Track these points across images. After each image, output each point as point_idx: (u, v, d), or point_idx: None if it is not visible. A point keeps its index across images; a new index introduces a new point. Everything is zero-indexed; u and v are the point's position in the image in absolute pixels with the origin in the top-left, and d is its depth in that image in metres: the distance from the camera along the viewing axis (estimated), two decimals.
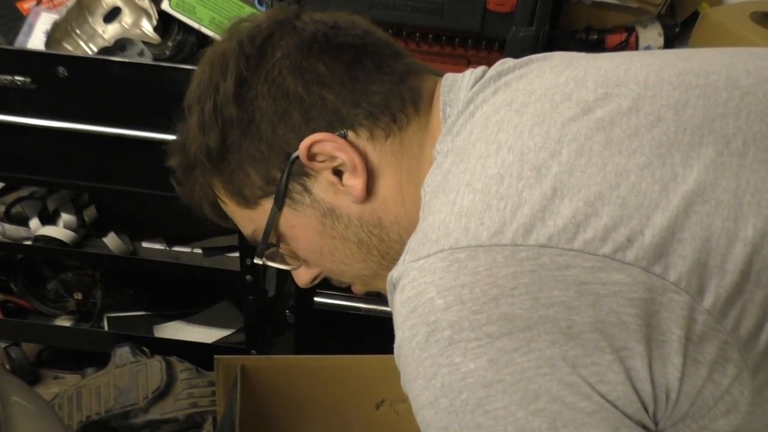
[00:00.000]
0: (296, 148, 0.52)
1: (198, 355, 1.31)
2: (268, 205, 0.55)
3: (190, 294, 1.59)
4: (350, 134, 0.52)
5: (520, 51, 0.98)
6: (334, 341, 1.34)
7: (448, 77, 0.54)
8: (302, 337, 1.39)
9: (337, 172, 0.52)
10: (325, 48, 0.52)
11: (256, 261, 0.59)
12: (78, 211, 1.38)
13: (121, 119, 1.11)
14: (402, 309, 0.41)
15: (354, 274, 0.57)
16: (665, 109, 0.43)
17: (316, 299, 1.29)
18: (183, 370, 1.30)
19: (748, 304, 0.39)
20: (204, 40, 1.12)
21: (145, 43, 1.12)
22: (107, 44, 1.11)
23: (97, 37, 1.12)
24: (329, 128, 0.51)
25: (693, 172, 0.40)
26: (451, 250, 0.39)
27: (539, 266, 0.37)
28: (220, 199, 0.59)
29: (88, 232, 1.38)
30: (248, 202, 0.56)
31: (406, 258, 0.43)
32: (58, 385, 1.48)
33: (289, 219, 0.55)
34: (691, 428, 0.43)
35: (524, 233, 0.38)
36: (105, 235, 1.35)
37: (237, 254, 1.29)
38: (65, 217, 1.35)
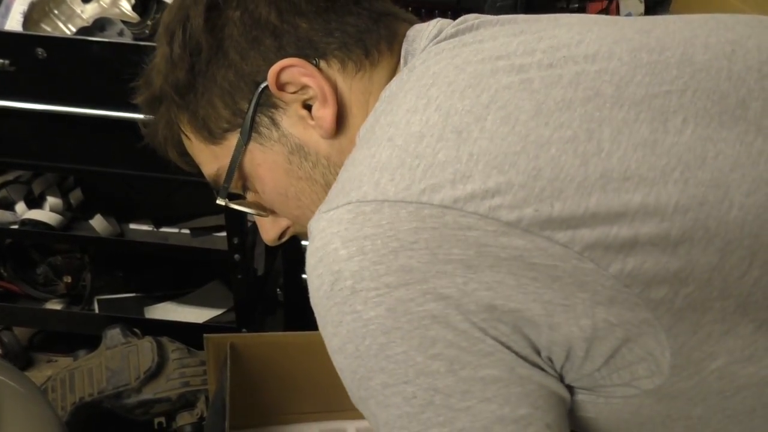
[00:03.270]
0: (265, 78, 0.51)
1: (189, 335, 1.31)
2: (234, 139, 0.53)
3: (179, 275, 1.59)
4: (322, 63, 0.51)
5: None
6: None
7: (415, 27, 0.54)
8: (292, 315, 1.40)
9: (307, 107, 0.51)
10: None
11: (219, 201, 0.57)
12: (64, 195, 1.37)
13: (103, 100, 1.11)
14: (311, 259, 0.43)
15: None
16: (606, 84, 0.43)
17: (305, 276, 1.29)
18: (174, 350, 1.30)
19: (660, 272, 0.40)
20: None
21: (124, 22, 1.11)
22: (86, 24, 1.10)
23: (75, 18, 1.11)
24: (300, 54, 0.50)
25: (620, 149, 0.40)
26: (358, 202, 0.40)
27: (442, 224, 0.38)
28: (185, 135, 0.57)
29: (75, 215, 1.38)
30: (213, 136, 0.54)
31: (321, 208, 0.43)
32: (51, 368, 1.49)
33: (255, 156, 0.53)
34: (612, 380, 0.44)
35: (431, 193, 0.39)
36: (92, 217, 1.34)
37: (225, 234, 1.29)
38: (51, 200, 1.34)
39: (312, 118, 0.51)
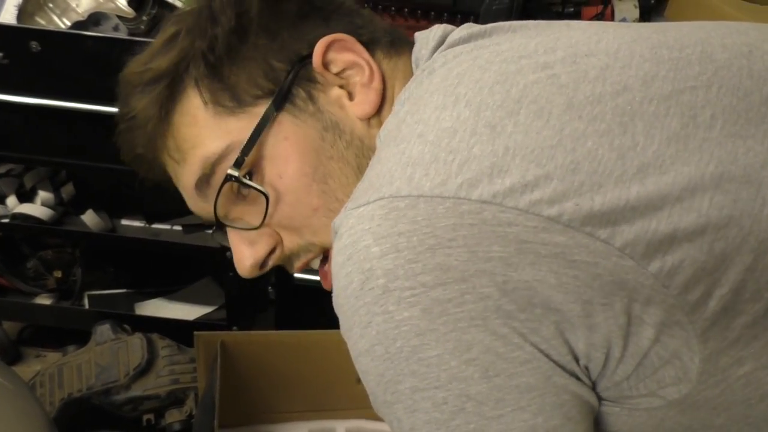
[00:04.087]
0: (311, 53, 0.50)
1: (180, 332, 1.31)
2: (262, 107, 0.50)
3: (171, 271, 1.58)
4: (370, 46, 0.52)
5: None
6: (316, 317, 1.34)
7: (418, 36, 0.53)
8: (283, 313, 1.39)
9: (345, 87, 0.51)
10: None
11: (230, 172, 0.51)
12: (56, 189, 1.36)
13: (97, 95, 1.10)
14: (339, 257, 0.40)
15: (323, 225, 0.53)
16: (633, 79, 0.42)
17: (297, 275, 1.29)
18: (164, 347, 1.30)
19: (697, 272, 0.40)
20: None
21: (119, 17, 1.10)
22: (81, 18, 1.10)
23: (70, 11, 1.10)
24: (350, 31, 0.51)
25: (654, 143, 0.40)
26: (392, 198, 0.38)
27: (480, 221, 0.37)
28: (186, 113, 0.54)
29: (66, 209, 1.37)
30: (239, 104, 0.51)
31: (348, 205, 0.42)
32: (40, 363, 1.48)
33: (284, 128, 0.50)
34: (639, 390, 0.43)
35: (468, 188, 0.37)
36: (83, 212, 1.34)
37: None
38: (42, 194, 1.33)
39: (352, 99, 0.51)
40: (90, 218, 1.33)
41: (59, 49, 1.07)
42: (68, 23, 1.10)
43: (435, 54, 0.49)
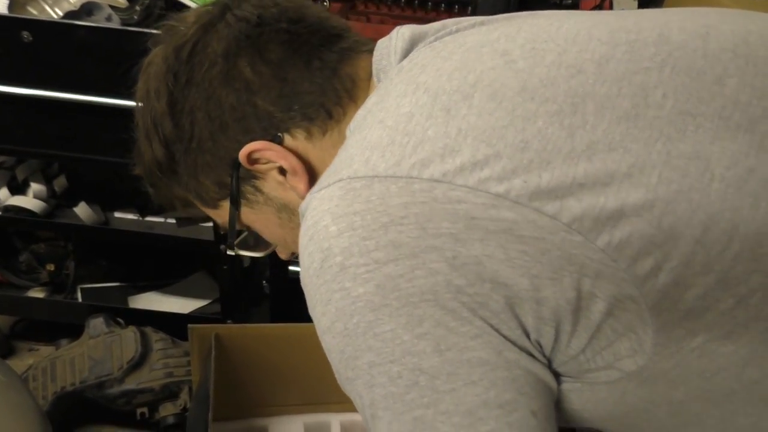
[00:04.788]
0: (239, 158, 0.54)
1: (174, 325, 1.31)
2: (226, 205, 0.57)
3: (165, 265, 1.57)
4: (286, 137, 0.52)
5: (491, 14, 0.97)
6: None
7: (379, 46, 0.54)
8: (278, 307, 1.39)
9: (283, 171, 0.54)
10: (251, 51, 0.51)
11: (229, 252, 0.62)
12: (48, 181, 1.35)
13: (89, 86, 1.09)
14: (303, 238, 0.43)
15: None
16: (588, 62, 0.44)
17: (291, 268, 1.29)
18: (158, 340, 1.30)
19: (646, 246, 0.40)
20: (172, 4, 1.10)
21: (112, 7, 1.10)
22: (73, 8, 1.09)
23: (62, 1, 1.09)
24: (265, 134, 0.52)
25: (604, 122, 0.41)
26: (349, 179, 0.40)
27: (431, 199, 0.38)
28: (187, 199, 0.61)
29: (59, 202, 1.36)
30: (208, 204, 0.58)
31: (313, 189, 0.44)
32: (32, 357, 1.47)
33: (248, 216, 0.57)
34: (596, 363, 0.44)
35: (421, 167, 0.39)
36: (76, 205, 1.33)
37: (211, 224, 1.28)
38: (35, 186, 1.32)
39: (288, 182, 0.54)
40: (83, 211, 1.33)
41: (51, 40, 1.06)
42: (60, 13, 1.09)
43: (404, 60, 0.51)
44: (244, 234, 0.63)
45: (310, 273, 0.42)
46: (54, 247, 1.49)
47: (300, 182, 0.53)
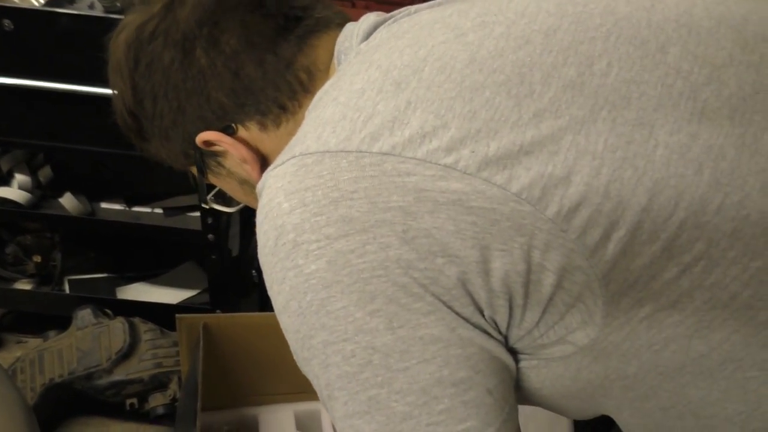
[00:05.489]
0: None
1: (162, 316, 1.30)
2: (194, 170, 0.60)
3: (152, 255, 1.57)
4: (240, 128, 0.53)
5: None
6: None
7: (346, 28, 0.54)
8: (268, 296, 1.39)
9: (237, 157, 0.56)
10: (207, 38, 0.52)
11: (203, 206, 0.64)
12: (33, 172, 1.34)
13: (73, 74, 1.08)
14: (259, 217, 0.42)
15: None
16: (535, 33, 0.44)
17: None
18: (146, 330, 1.29)
19: (594, 215, 0.40)
20: None
21: None
22: None
23: None
24: (219, 123, 0.53)
25: (550, 90, 0.41)
26: (302, 156, 0.40)
27: (381, 172, 0.38)
28: None
29: (44, 193, 1.35)
30: (180, 166, 0.61)
31: (269, 168, 0.44)
32: (20, 349, 1.46)
33: (215, 181, 0.60)
34: (549, 338, 0.45)
35: (370, 141, 0.39)
36: (61, 195, 1.31)
37: (198, 213, 1.27)
38: (19, 177, 1.31)
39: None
40: (68, 201, 1.31)
41: (33, 28, 1.04)
42: (42, 1, 1.08)
43: (363, 42, 0.51)
44: (216, 189, 0.64)
45: (265, 252, 0.42)
46: (40, 239, 1.47)
47: (253, 171, 0.54)
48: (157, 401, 1.26)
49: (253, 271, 1.43)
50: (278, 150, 0.50)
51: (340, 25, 0.55)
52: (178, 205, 1.36)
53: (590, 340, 0.44)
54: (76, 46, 1.06)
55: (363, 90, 0.42)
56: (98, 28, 1.05)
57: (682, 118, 0.42)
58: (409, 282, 0.39)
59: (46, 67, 1.08)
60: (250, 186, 0.57)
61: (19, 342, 1.50)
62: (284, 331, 0.44)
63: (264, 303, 1.41)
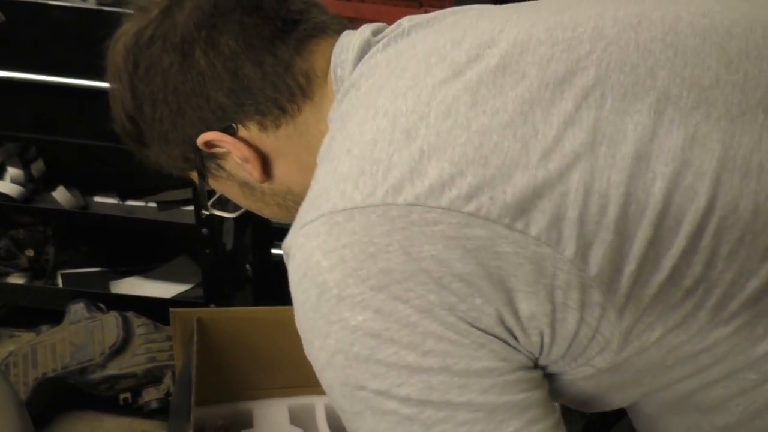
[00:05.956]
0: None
1: (156, 310, 1.29)
2: (195, 175, 0.60)
3: (146, 249, 1.56)
4: (240, 128, 0.54)
5: None
6: None
7: (342, 38, 0.55)
8: (262, 291, 1.38)
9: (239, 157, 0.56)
10: (205, 41, 0.52)
11: (204, 212, 0.69)
12: (25, 165, 1.34)
13: (66, 67, 1.07)
14: (294, 275, 0.44)
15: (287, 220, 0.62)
16: (530, 66, 0.45)
17: (274, 251, 1.28)
18: (140, 325, 1.29)
19: (607, 251, 0.42)
20: None
21: None
22: None
23: None
24: (219, 123, 0.54)
25: (553, 128, 0.42)
26: (331, 213, 0.42)
27: (409, 223, 0.40)
28: None
29: (37, 186, 1.34)
30: (179, 172, 0.61)
31: (294, 226, 0.45)
32: (13, 344, 1.45)
33: (215, 185, 0.61)
34: (572, 365, 0.47)
35: (394, 193, 0.41)
36: (54, 189, 1.31)
37: (192, 207, 1.27)
38: (12, 171, 1.30)
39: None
40: (61, 195, 1.31)
41: (26, 20, 1.03)
42: None
43: (357, 66, 0.52)
44: (218, 195, 0.66)
45: (306, 308, 0.43)
46: (33, 233, 1.47)
47: (254, 170, 0.55)
48: (150, 396, 1.26)
49: (247, 266, 1.43)
50: (279, 151, 0.54)
51: (337, 32, 0.55)
52: (171, 199, 1.36)
53: (608, 363, 0.46)
54: (69, 38, 1.05)
55: (375, 141, 0.43)
56: (91, 21, 1.05)
57: (676, 146, 0.43)
58: (456, 320, 0.41)
59: (39, 60, 1.07)
60: (250, 188, 0.58)
61: (11, 336, 1.49)
62: (328, 389, 0.45)
63: (258, 297, 1.40)
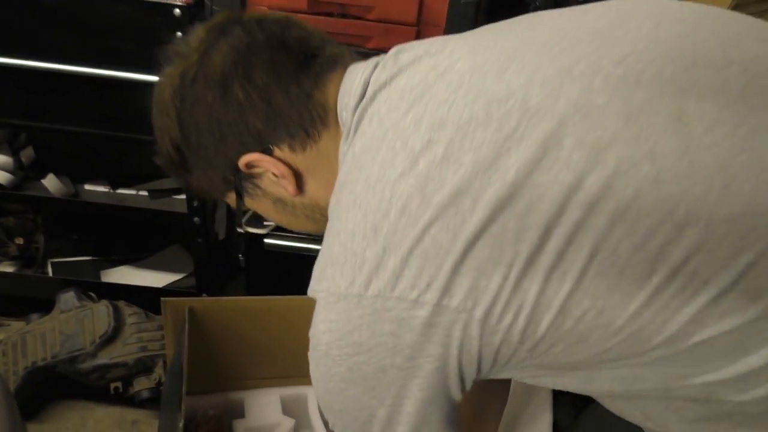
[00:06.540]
0: (238, 165, 0.65)
1: (148, 299, 1.29)
2: (233, 195, 0.69)
3: (138, 238, 1.55)
4: (275, 149, 0.64)
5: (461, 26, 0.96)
6: (286, 282, 1.33)
7: (346, 77, 0.63)
8: (254, 280, 1.38)
9: (276, 175, 0.65)
10: (242, 77, 0.62)
11: (239, 230, 0.76)
12: (14, 152, 1.32)
13: (56, 53, 1.06)
14: (311, 338, 0.58)
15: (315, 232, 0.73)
16: (467, 153, 0.51)
17: (267, 241, 1.27)
18: (131, 314, 1.28)
19: (510, 305, 0.51)
20: None
21: None
22: None
23: None
24: (258, 145, 0.64)
25: (475, 214, 0.50)
26: (327, 293, 0.56)
27: (375, 310, 0.53)
28: None
29: (27, 174, 1.33)
30: (218, 194, 0.71)
31: (313, 279, 0.58)
32: (2, 333, 1.44)
33: (251, 203, 0.70)
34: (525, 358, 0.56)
35: (365, 285, 0.53)
36: (44, 177, 1.30)
37: (184, 196, 1.26)
38: (1, 158, 1.29)
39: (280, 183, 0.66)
40: (51, 183, 1.29)
41: (14, 4, 1.02)
42: None
43: (357, 111, 0.60)
44: (250, 212, 0.74)
45: (311, 347, 0.58)
46: (23, 221, 1.46)
47: (289, 184, 0.65)
48: (141, 385, 1.26)
49: (240, 255, 1.42)
50: (308, 169, 0.65)
51: (346, 66, 0.64)
52: (163, 188, 1.35)
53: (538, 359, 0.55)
54: (59, 23, 1.03)
55: (354, 233, 0.54)
56: (80, 5, 1.04)
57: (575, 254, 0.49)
58: (402, 375, 0.55)
59: (28, 45, 1.06)
60: (282, 204, 0.68)
61: (1, 325, 1.48)
62: (322, 407, 0.62)
63: (250, 287, 1.40)
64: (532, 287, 0.50)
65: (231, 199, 0.70)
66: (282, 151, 0.63)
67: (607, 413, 0.62)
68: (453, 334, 0.52)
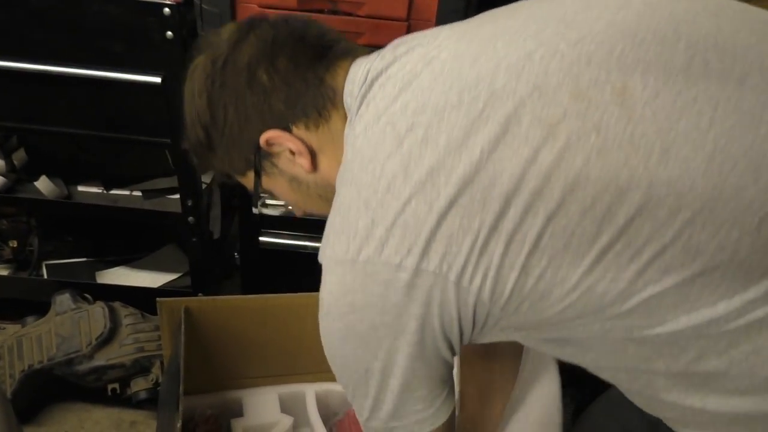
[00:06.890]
0: (259, 143, 0.72)
1: (144, 300, 1.28)
2: (251, 174, 0.75)
3: (132, 239, 1.55)
4: (293, 128, 0.71)
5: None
6: (282, 281, 1.33)
7: (353, 67, 0.69)
8: (250, 279, 1.38)
9: (292, 152, 0.72)
10: (267, 63, 0.70)
11: (254, 210, 0.88)
12: (6, 155, 1.31)
13: (47, 54, 1.05)
14: (319, 300, 0.65)
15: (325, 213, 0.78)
16: (442, 134, 0.57)
17: (262, 239, 1.27)
18: (127, 315, 1.28)
19: (480, 267, 0.57)
20: None
21: None
22: None
23: None
24: (278, 124, 0.71)
25: (447, 188, 0.56)
26: (329, 260, 0.62)
27: (365, 274, 0.59)
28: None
29: (19, 176, 1.32)
30: (238, 173, 0.77)
31: (322, 245, 0.64)
32: None
33: (267, 183, 0.77)
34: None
35: (357, 252, 0.59)
36: (37, 179, 1.29)
37: (178, 196, 1.25)
38: None
39: (296, 161, 0.73)
40: (44, 185, 1.29)
41: (5, 5, 1.01)
42: None
43: (358, 97, 0.66)
44: (265, 196, 0.81)
45: (318, 312, 0.65)
46: (16, 223, 1.45)
47: (305, 160, 0.71)
48: (139, 386, 1.25)
49: (235, 254, 1.42)
50: (321, 147, 0.71)
51: (355, 57, 0.71)
52: (157, 188, 1.34)
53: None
54: (49, 24, 1.03)
55: (349, 207, 0.61)
56: (69, 5, 1.03)
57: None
58: (391, 332, 0.61)
59: (19, 46, 1.05)
60: (297, 182, 0.75)
61: None
62: (324, 350, 0.67)
63: (246, 286, 1.40)
64: (496, 250, 0.55)
65: (249, 179, 0.77)
66: (299, 130, 0.71)
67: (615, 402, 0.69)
68: (433, 295, 0.58)
